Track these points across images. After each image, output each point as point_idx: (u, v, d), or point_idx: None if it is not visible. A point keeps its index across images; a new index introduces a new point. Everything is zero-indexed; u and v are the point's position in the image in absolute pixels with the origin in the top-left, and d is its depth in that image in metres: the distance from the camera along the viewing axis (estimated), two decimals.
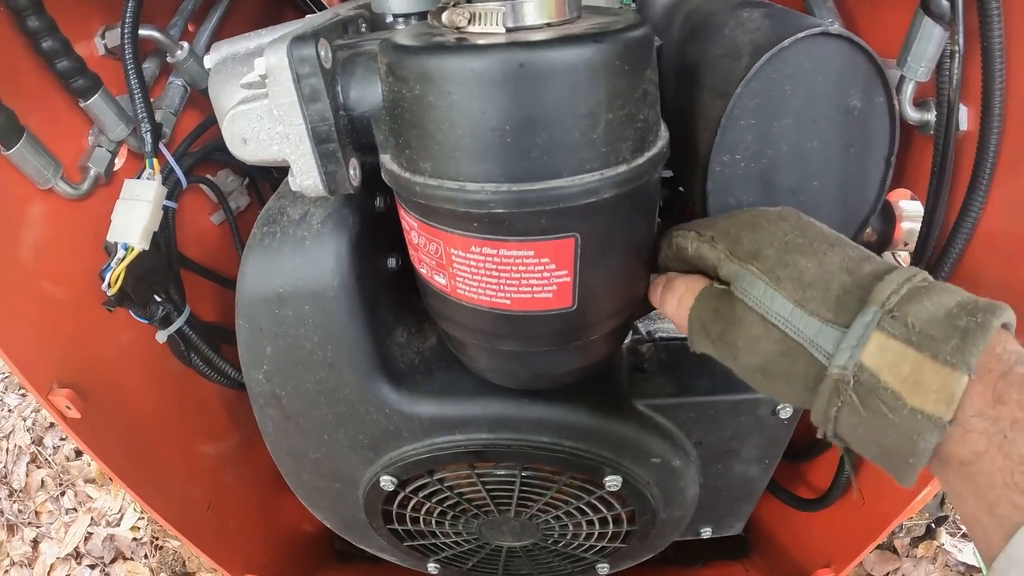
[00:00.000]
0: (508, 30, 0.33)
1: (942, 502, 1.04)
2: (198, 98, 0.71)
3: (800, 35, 0.41)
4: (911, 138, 0.54)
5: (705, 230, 0.38)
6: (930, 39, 0.46)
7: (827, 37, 0.42)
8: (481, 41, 0.32)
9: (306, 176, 0.40)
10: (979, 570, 1.00)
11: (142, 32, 0.61)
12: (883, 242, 0.59)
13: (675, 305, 0.40)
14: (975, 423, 0.26)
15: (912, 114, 0.50)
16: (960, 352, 0.27)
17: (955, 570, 1.01)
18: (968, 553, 1.01)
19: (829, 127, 0.45)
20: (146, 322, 0.65)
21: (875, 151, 0.46)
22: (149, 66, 0.66)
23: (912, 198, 0.58)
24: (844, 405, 0.30)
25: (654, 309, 0.48)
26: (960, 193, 0.49)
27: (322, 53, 0.37)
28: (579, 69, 0.30)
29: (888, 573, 1.01)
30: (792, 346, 0.32)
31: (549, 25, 0.34)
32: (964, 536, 1.03)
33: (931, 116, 0.50)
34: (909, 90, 0.49)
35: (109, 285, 0.58)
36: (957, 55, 0.45)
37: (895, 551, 1.03)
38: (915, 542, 1.03)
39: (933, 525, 1.04)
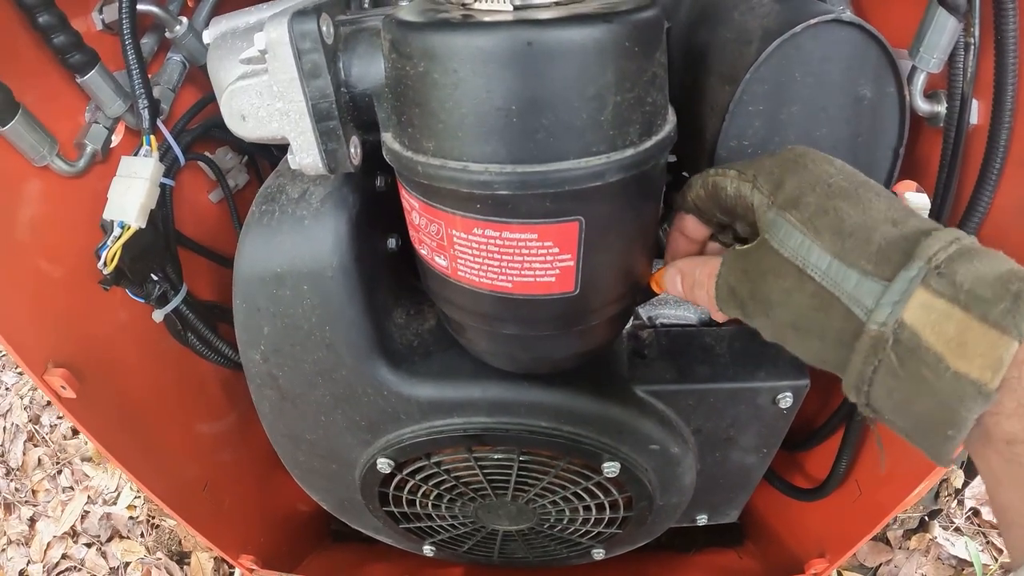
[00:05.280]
0: (515, 7, 0.32)
1: (936, 495, 1.04)
2: (197, 74, 0.70)
3: (812, 21, 0.40)
4: (920, 130, 0.53)
5: (747, 169, 0.35)
6: (944, 30, 0.45)
7: (839, 24, 0.41)
8: (488, 18, 0.32)
9: (306, 154, 0.40)
10: (970, 564, 1.00)
11: (140, 7, 0.60)
12: None
13: (705, 294, 0.38)
14: None
15: (922, 106, 0.49)
16: (1011, 315, 0.24)
17: (947, 563, 1.01)
18: (960, 547, 1.02)
19: (838, 116, 0.44)
20: (143, 301, 0.64)
21: (884, 141, 0.46)
22: (147, 41, 0.65)
23: (918, 190, 0.57)
24: (881, 365, 0.27)
25: (656, 295, 0.47)
26: (967, 188, 0.48)
27: (324, 28, 0.36)
28: (589, 49, 0.30)
29: (880, 564, 1.02)
30: (827, 299, 0.29)
31: (557, 3, 0.33)
32: (957, 530, 1.04)
33: (941, 108, 0.49)
34: (920, 81, 0.48)
35: (105, 264, 0.58)
36: (972, 48, 0.44)
37: (888, 543, 1.03)
38: (908, 534, 1.04)
39: (927, 518, 1.04)
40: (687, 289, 0.40)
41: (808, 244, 0.30)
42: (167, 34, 0.65)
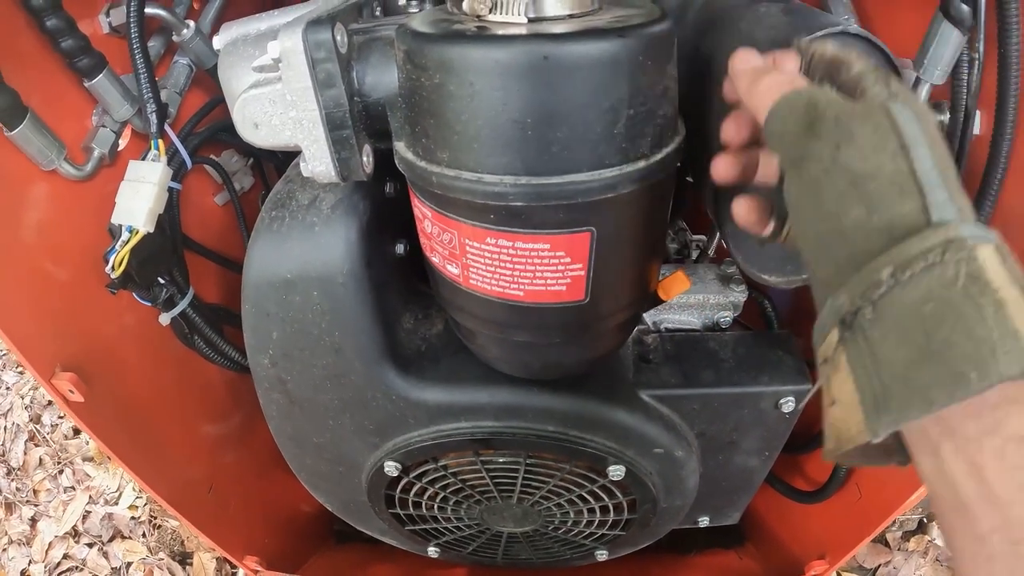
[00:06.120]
0: (529, 21, 0.33)
1: None
2: (202, 77, 0.70)
3: (819, 34, 0.41)
4: None
5: (869, 61, 0.32)
6: (948, 43, 0.46)
7: (845, 36, 0.42)
8: (502, 31, 0.32)
9: (319, 162, 0.40)
10: None
11: (147, 10, 0.60)
12: None
13: (771, 86, 0.32)
14: None
15: None
16: None
17: (945, 565, 1.02)
18: None
19: None
20: (150, 304, 0.65)
21: None
22: (154, 44, 0.65)
23: None
24: (931, 270, 0.24)
25: (663, 302, 0.48)
26: (969, 196, 0.49)
27: (338, 38, 0.36)
28: (604, 64, 0.30)
29: (879, 566, 1.03)
30: (909, 185, 0.26)
31: (571, 16, 0.33)
32: None
33: (944, 119, 0.49)
34: (924, 92, 0.49)
35: (113, 268, 0.58)
36: (977, 63, 0.45)
37: (887, 544, 1.04)
38: (906, 536, 1.05)
39: (925, 520, 1.05)
40: (752, 73, 0.33)
41: (920, 137, 0.27)
42: (174, 37, 0.65)
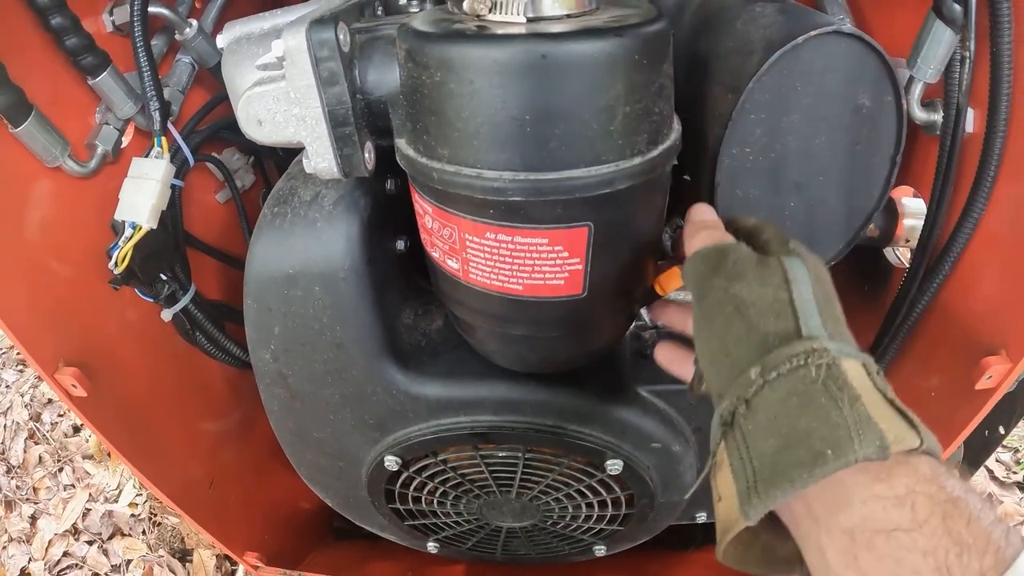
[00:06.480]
0: (528, 20, 0.33)
1: None
2: (205, 76, 0.71)
3: (813, 33, 0.41)
4: (916, 137, 0.55)
5: (783, 234, 0.39)
6: (941, 42, 0.46)
7: (839, 36, 0.42)
8: (501, 30, 0.33)
9: (321, 158, 0.41)
10: None
11: (151, 9, 0.60)
12: (885, 238, 0.60)
13: (703, 238, 0.38)
14: (921, 488, 0.25)
15: (919, 114, 0.51)
16: (922, 427, 0.26)
17: None
18: None
19: (837, 124, 0.45)
20: (152, 300, 0.65)
21: (881, 149, 0.47)
22: (156, 43, 0.66)
23: (915, 195, 0.59)
24: (796, 372, 0.29)
25: (660, 297, 0.49)
26: (963, 193, 0.50)
27: (341, 37, 0.37)
28: (601, 62, 0.31)
29: None
30: (786, 311, 0.31)
31: (568, 16, 0.34)
32: None
33: (937, 117, 0.50)
34: (917, 90, 0.50)
35: (116, 264, 0.59)
36: (968, 61, 0.46)
37: None
38: None
39: None
40: (699, 224, 0.40)
41: (804, 278, 0.33)
42: (176, 36, 0.66)
